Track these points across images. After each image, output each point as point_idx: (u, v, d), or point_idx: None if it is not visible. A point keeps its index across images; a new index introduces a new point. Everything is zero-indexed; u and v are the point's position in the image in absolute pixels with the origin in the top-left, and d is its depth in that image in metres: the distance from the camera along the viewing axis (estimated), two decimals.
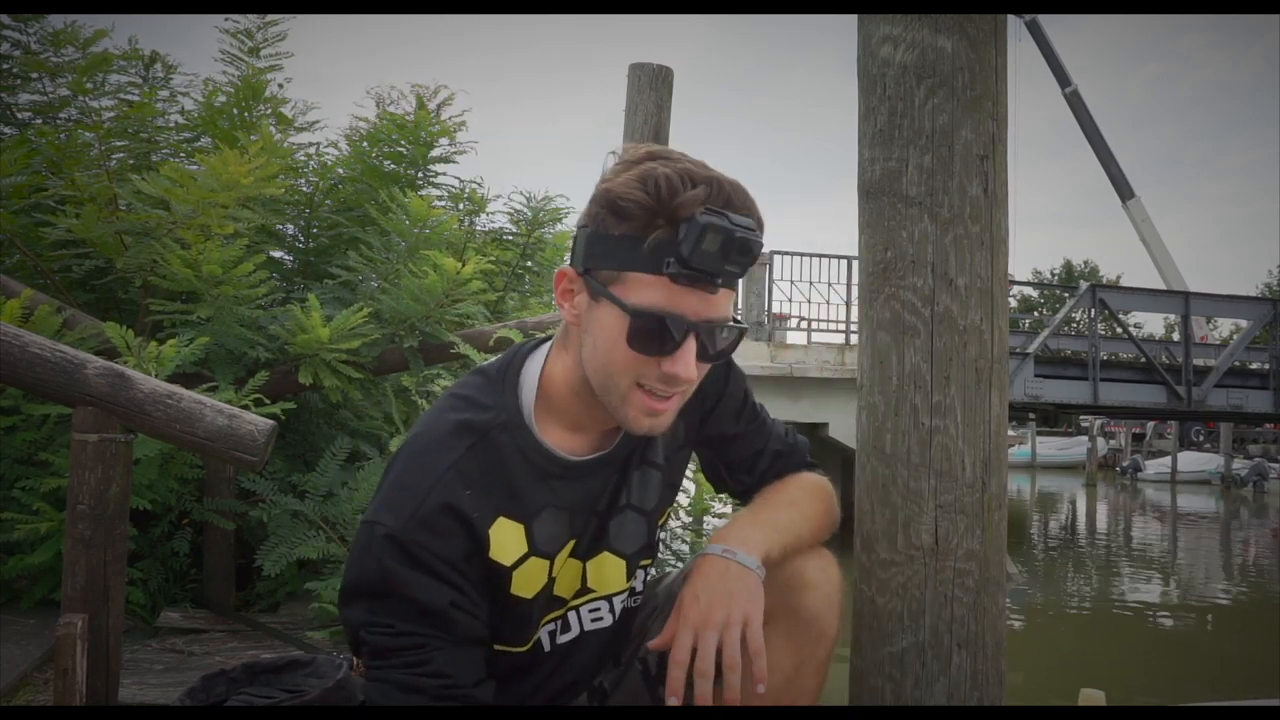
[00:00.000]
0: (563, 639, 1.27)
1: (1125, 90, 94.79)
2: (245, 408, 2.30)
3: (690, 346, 1.10)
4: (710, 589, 1.16)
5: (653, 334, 1.09)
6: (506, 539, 1.14)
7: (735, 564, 1.18)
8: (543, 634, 1.25)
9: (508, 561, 1.14)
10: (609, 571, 1.27)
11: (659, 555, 1.44)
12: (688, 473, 1.54)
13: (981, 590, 1.39)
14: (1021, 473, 33.30)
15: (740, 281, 1.17)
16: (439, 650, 1.07)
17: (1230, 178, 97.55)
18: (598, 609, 1.29)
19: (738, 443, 1.39)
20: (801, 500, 1.35)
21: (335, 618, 2.87)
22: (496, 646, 1.19)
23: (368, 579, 1.08)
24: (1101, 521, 21.73)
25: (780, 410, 12.24)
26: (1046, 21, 24.59)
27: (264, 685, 1.44)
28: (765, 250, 13.28)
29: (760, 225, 1.12)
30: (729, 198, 1.09)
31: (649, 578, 1.38)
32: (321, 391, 3.29)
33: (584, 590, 1.27)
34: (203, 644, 2.79)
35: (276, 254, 4.09)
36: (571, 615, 1.27)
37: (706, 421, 1.38)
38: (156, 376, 2.34)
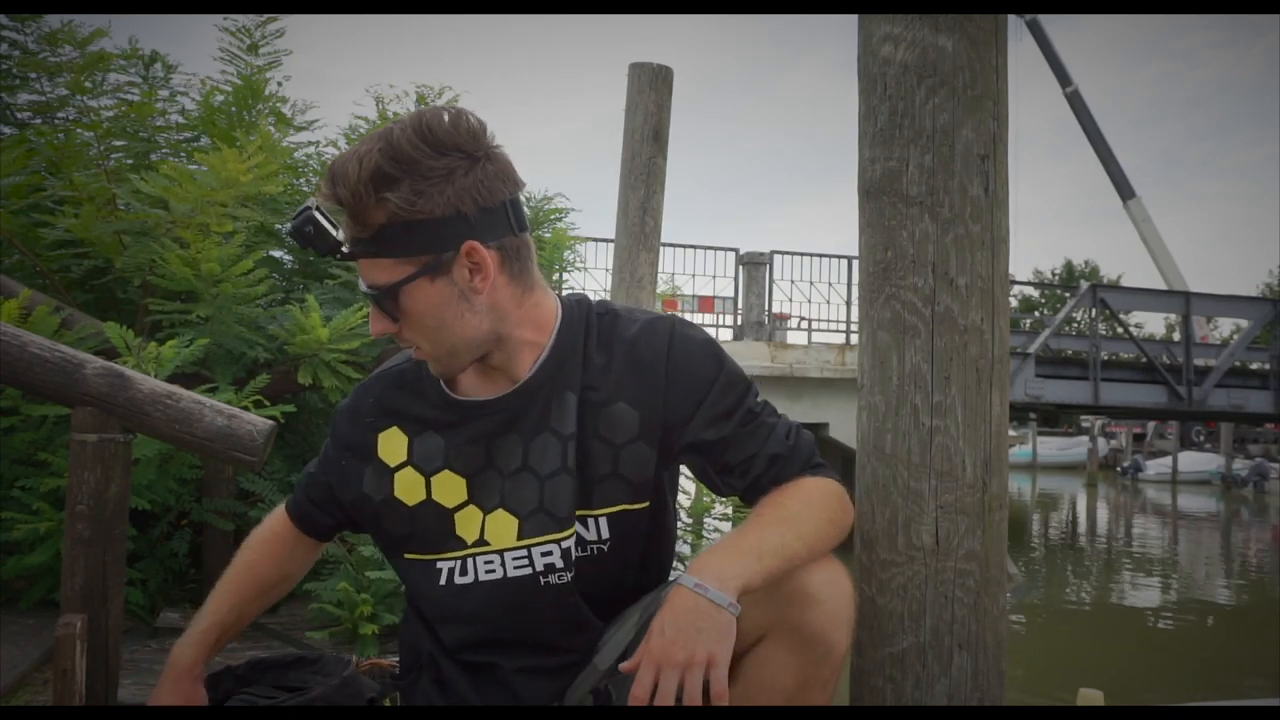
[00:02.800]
0: (461, 580, 1.34)
1: (1126, 90, 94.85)
2: (245, 409, 2.29)
3: (371, 309, 1.28)
4: (676, 625, 1.12)
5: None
6: (393, 444, 1.37)
7: (705, 600, 1.12)
8: (443, 566, 1.34)
9: (391, 463, 1.37)
10: (502, 527, 1.32)
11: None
12: (686, 473, 1.50)
13: (982, 591, 1.39)
14: (1022, 473, 33.30)
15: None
16: (316, 482, 1.47)
17: (1230, 178, 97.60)
18: (491, 561, 1.32)
19: (728, 447, 1.32)
20: (799, 515, 1.26)
21: (335, 618, 2.87)
22: (407, 554, 1.38)
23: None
24: (1102, 522, 21.73)
25: (780, 410, 12.23)
26: (1047, 21, 24.59)
27: (270, 683, 1.44)
28: (765, 250, 13.39)
29: (342, 201, 1.21)
30: (323, 184, 1.24)
31: (576, 555, 1.31)
32: (321, 391, 3.29)
33: (481, 541, 1.33)
34: None
35: (276, 253, 4.09)
36: (469, 561, 1.33)
37: (682, 428, 1.31)
38: (156, 377, 2.33)
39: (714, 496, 3.75)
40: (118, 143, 3.57)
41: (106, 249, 3.23)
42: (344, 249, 1.24)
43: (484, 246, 1.23)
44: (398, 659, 1.51)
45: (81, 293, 3.51)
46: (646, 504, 1.34)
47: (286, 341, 3.20)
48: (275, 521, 1.52)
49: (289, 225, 1.24)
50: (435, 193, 1.19)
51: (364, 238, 1.22)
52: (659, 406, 1.31)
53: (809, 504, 1.28)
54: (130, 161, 3.58)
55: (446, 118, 1.21)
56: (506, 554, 1.32)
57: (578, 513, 1.31)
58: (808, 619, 1.21)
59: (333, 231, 1.24)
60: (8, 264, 3.37)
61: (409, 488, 1.35)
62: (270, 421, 2.07)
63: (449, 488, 1.34)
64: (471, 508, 1.33)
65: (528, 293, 1.31)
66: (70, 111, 3.78)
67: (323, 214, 1.23)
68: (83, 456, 1.94)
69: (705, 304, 14.05)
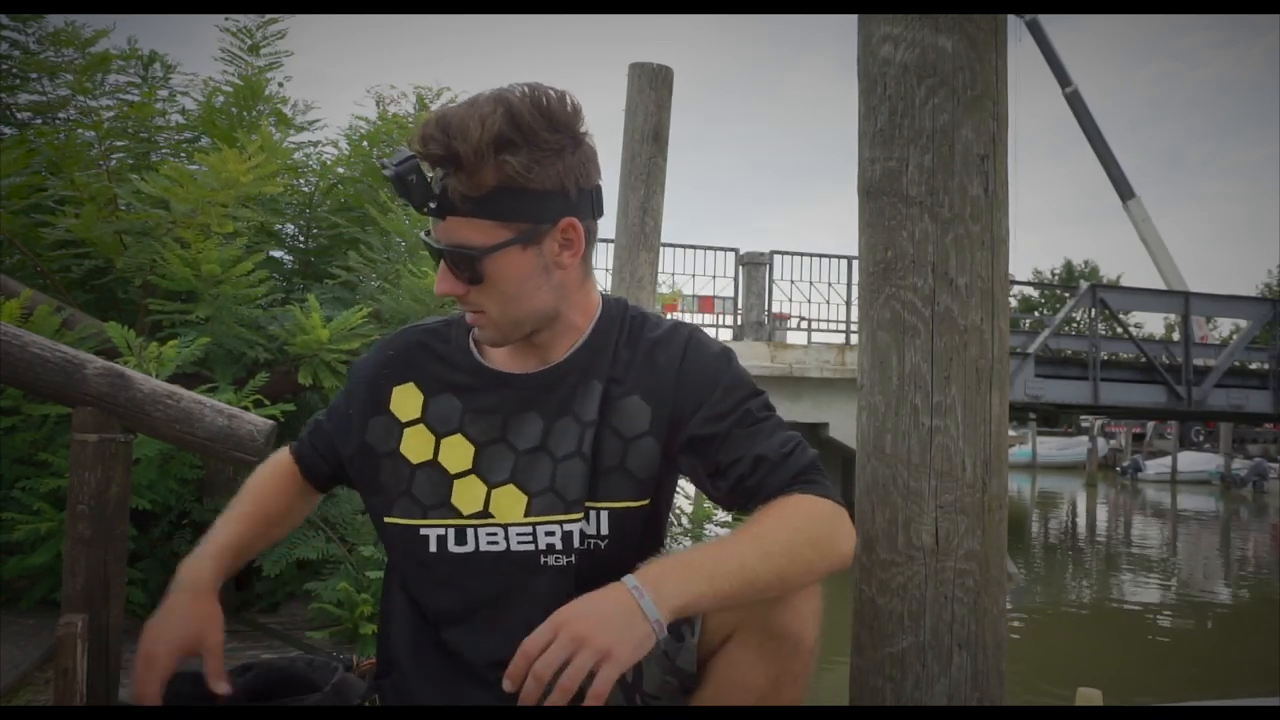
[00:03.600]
0: (458, 548, 1.32)
1: (1126, 90, 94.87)
2: (245, 409, 2.30)
3: (442, 268, 1.27)
4: (596, 609, 1.07)
5: (431, 256, 1.31)
6: (407, 400, 1.37)
7: (635, 605, 1.07)
8: (429, 533, 1.33)
9: (403, 418, 1.37)
10: (511, 502, 1.32)
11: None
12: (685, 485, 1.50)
13: (982, 590, 1.39)
14: (1022, 473, 33.30)
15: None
16: (320, 431, 1.47)
17: (1230, 178, 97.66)
18: (495, 534, 1.32)
19: (721, 445, 1.29)
20: (769, 533, 1.17)
21: (335, 618, 2.87)
22: (387, 519, 1.35)
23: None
24: (1101, 521, 21.73)
25: (780, 410, 12.07)
26: (1047, 21, 24.59)
27: (262, 687, 1.44)
28: (765, 250, 13.39)
29: (445, 156, 1.20)
30: (419, 135, 1.23)
31: (580, 547, 1.30)
32: (321, 392, 3.29)
33: (484, 514, 1.32)
34: None
35: (276, 254, 4.09)
36: (469, 531, 1.32)
37: (685, 423, 1.30)
38: (156, 376, 2.34)
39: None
40: (118, 143, 3.57)
41: (107, 249, 3.24)
42: (432, 205, 1.22)
43: (579, 224, 1.28)
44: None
45: (82, 293, 3.51)
46: (647, 502, 1.33)
47: (287, 341, 3.20)
48: (280, 460, 1.51)
49: (389, 169, 1.20)
50: (548, 165, 1.22)
51: (473, 196, 1.21)
52: (668, 403, 1.31)
53: (784, 522, 1.19)
54: (131, 162, 3.59)
55: (557, 96, 1.25)
56: (511, 528, 1.31)
57: (586, 504, 1.31)
58: (772, 616, 1.20)
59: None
60: (9, 264, 3.37)
61: (417, 446, 1.35)
62: (271, 421, 2.07)
63: (457, 452, 1.34)
64: (472, 478, 1.33)
65: (587, 278, 1.37)
66: (71, 112, 3.79)
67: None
68: (83, 456, 1.94)
69: (705, 304, 14.05)
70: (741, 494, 1.27)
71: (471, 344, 1.38)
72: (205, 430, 1.98)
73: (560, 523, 1.31)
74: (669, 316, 1.47)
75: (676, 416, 1.32)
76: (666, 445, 1.33)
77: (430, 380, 1.37)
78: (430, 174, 1.21)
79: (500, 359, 1.37)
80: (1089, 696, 2.15)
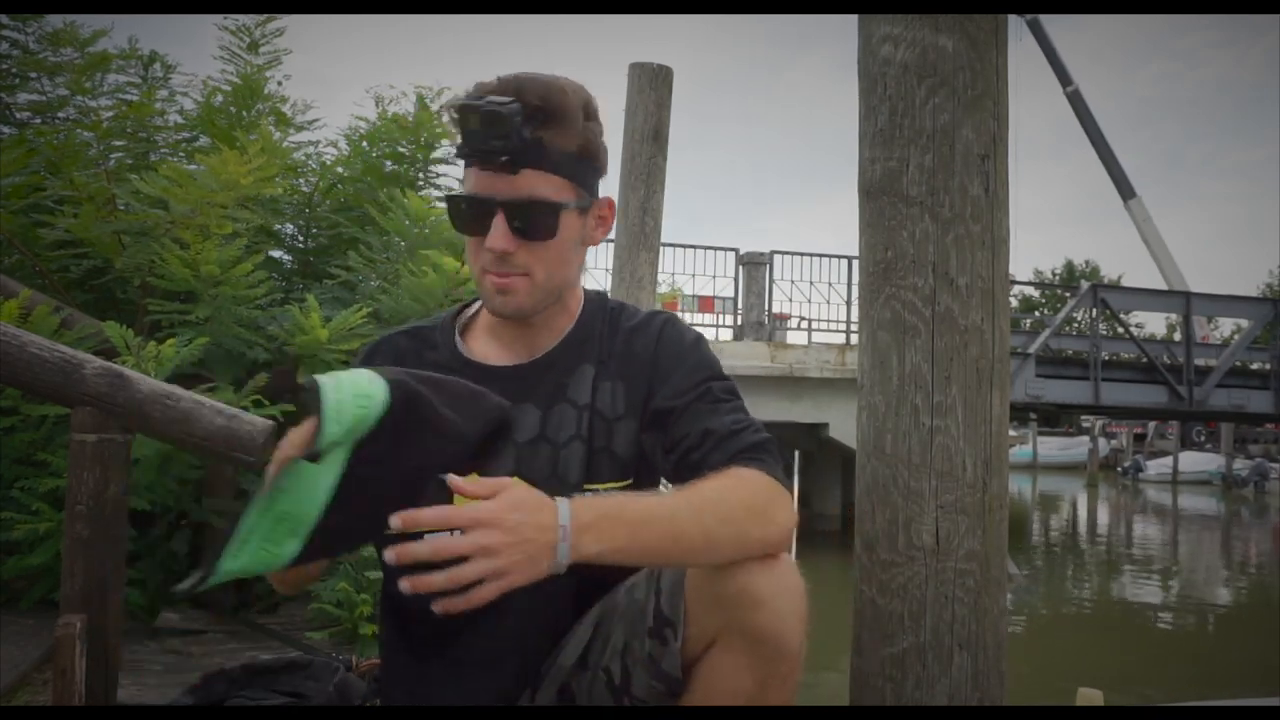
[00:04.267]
0: None
1: (1126, 90, 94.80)
2: (244, 408, 2.29)
3: (499, 223, 1.23)
4: (519, 531, 1.02)
5: (465, 215, 1.26)
6: None
7: (553, 546, 1.04)
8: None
9: None
10: None
11: None
12: None
13: (982, 591, 1.39)
14: (1023, 473, 33.28)
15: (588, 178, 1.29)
16: None
17: (1230, 178, 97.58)
18: None
19: (679, 419, 1.28)
20: (706, 497, 1.15)
21: (334, 618, 2.87)
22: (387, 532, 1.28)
23: None
24: (1102, 522, 21.73)
25: (780, 410, 12.23)
26: (1047, 21, 24.59)
27: (263, 687, 1.44)
28: (765, 250, 13.39)
29: (542, 107, 1.20)
30: (505, 86, 1.22)
31: None
32: None
33: None
34: (202, 644, 2.79)
35: (276, 254, 4.09)
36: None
37: (653, 399, 1.32)
38: (155, 376, 2.33)
39: None
40: (117, 143, 3.57)
41: (106, 249, 3.23)
42: (514, 153, 1.20)
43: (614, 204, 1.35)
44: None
45: (81, 293, 3.51)
46: (630, 482, 1.34)
47: (286, 342, 3.20)
48: None
49: (481, 103, 1.18)
50: (602, 144, 1.31)
51: (566, 151, 1.24)
52: (643, 386, 1.33)
53: (721, 489, 1.17)
54: (130, 162, 3.58)
55: None
56: None
57: (584, 486, 1.32)
58: (754, 621, 1.17)
59: None
60: (7, 264, 3.37)
61: None
62: (270, 421, 2.07)
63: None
64: (472, 477, 1.31)
65: (583, 266, 1.40)
66: (70, 111, 3.79)
67: None
68: (82, 456, 1.94)
69: (705, 304, 14.05)
70: (686, 467, 1.24)
71: (458, 342, 1.38)
72: (205, 430, 1.98)
73: None
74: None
75: (648, 394, 1.34)
76: (641, 424, 1.34)
77: None
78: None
79: (489, 353, 1.37)
80: (1089, 697, 2.15)
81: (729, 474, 1.19)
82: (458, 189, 1.28)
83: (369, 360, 1.39)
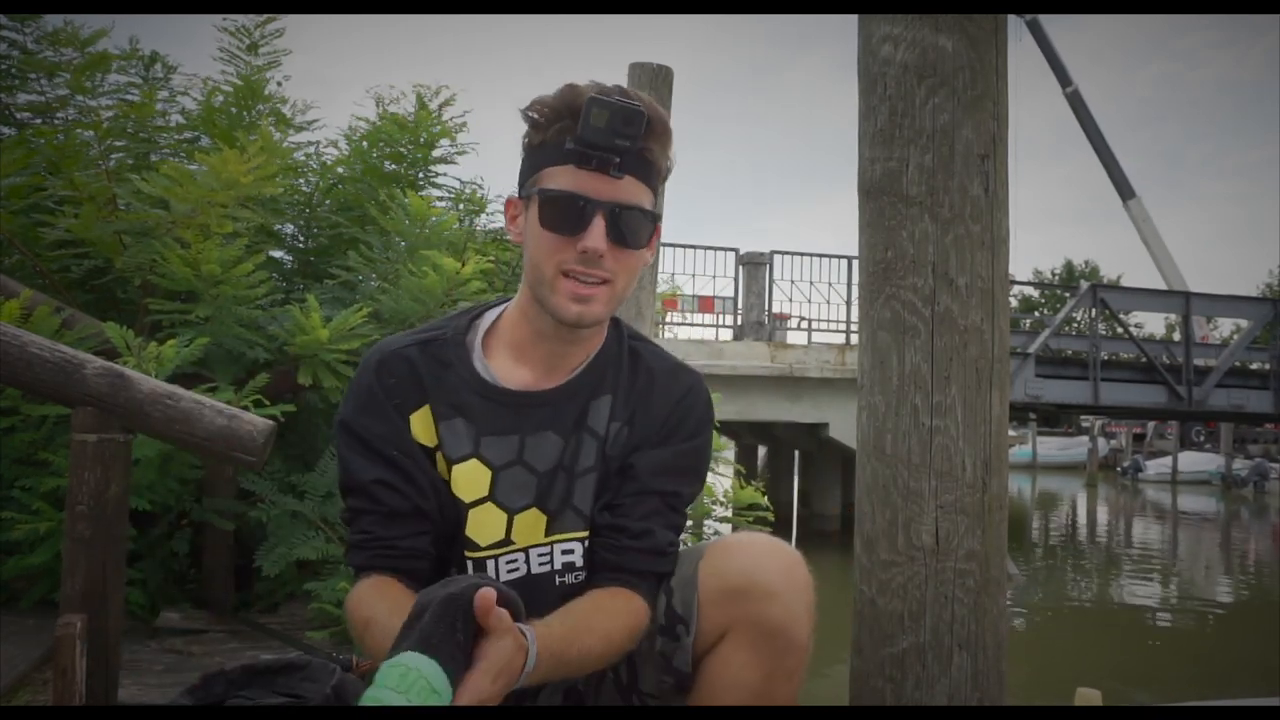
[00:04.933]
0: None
1: (1126, 90, 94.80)
2: (245, 409, 2.29)
3: (598, 224, 1.20)
4: (502, 683, 1.03)
5: (561, 212, 1.21)
6: (424, 427, 1.28)
7: (516, 679, 1.06)
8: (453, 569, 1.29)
9: (427, 444, 1.29)
10: (532, 525, 1.29)
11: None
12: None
13: (982, 591, 1.39)
14: (1022, 473, 33.28)
15: (651, 177, 1.25)
16: (368, 517, 1.26)
17: (1230, 178, 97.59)
18: (514, 560, 1.29)
19: (632, 484, 1.29)
20: (611, 638, 1.20)
21: (335, 618, 2.87)
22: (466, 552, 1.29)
23: (338, 468, 1.30)
24: (1102, 522, 21.73)
25: (780, 410, 12.24)
26: (1047, 21, 24.60)
27: (262, 687, 1.44)
28: (765, 250, 13.39)
29: (652, 120, 1.20)
30: (616, 92, 1.20)
31: (577, 560, 1.31)
32: (321, 392, 3.28)
33: (506, 541, 1.29)
34: (202, 644, 2.79)
35: (276, 254, 4.09)
36: (489, 562, 1.28)
37: (639, 450, 1.31)
38: (156, 376, 2.33)
39: (715, 498, 3.75)
40: (118, 143, 3.56)
41: (107, 249, 3.23)
42: (626, 158, 1.20)
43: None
44: None
45: (81, 293, 3.50)
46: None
47: (286, 342, 3.20)
48: (370, 596, 1.25)
49: (613, 100, 1.17)
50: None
51: (665, 165, 1.27)
52: (640, 440, 1.32)
53: (617, 623, 1.22)
54: (131, 162, 3.58)
55: None
56: (532, 550, 1.30)
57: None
58: (766, 613, 1.20)
59: None
60: (8, 264, 3.37)
61: (440, 471, 1.29)
62: (271, 421, 2.07)
63: (471, 479, 1.28)
64: (489, 506, 1.28)
65: None
66: (70, 111, 3.78)
67: None
68: (83, 456, 1.94)
69: (705, 304, 14.06)
70: (608, 547, 1.28)
71: (477, 361, 1.31)
72: (205, 430, 1.98)
73: (581, 539, 1.31)
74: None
75: (637, 446, 1.33)
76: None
77: (440, 404, 1.29)
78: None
79: (511, 374, 1.31)
80: (1088, 696, 2.15)
81: (621, 601, 1.25)
82: (552, 187, 1.21)
83: (380, 377, 1.28)
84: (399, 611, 1.07)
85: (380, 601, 1.21)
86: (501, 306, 1.37)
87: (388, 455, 1.26)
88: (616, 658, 1.23)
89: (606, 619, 1.21)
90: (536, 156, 1.24)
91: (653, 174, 1.25)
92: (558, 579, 1.30)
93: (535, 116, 1.23)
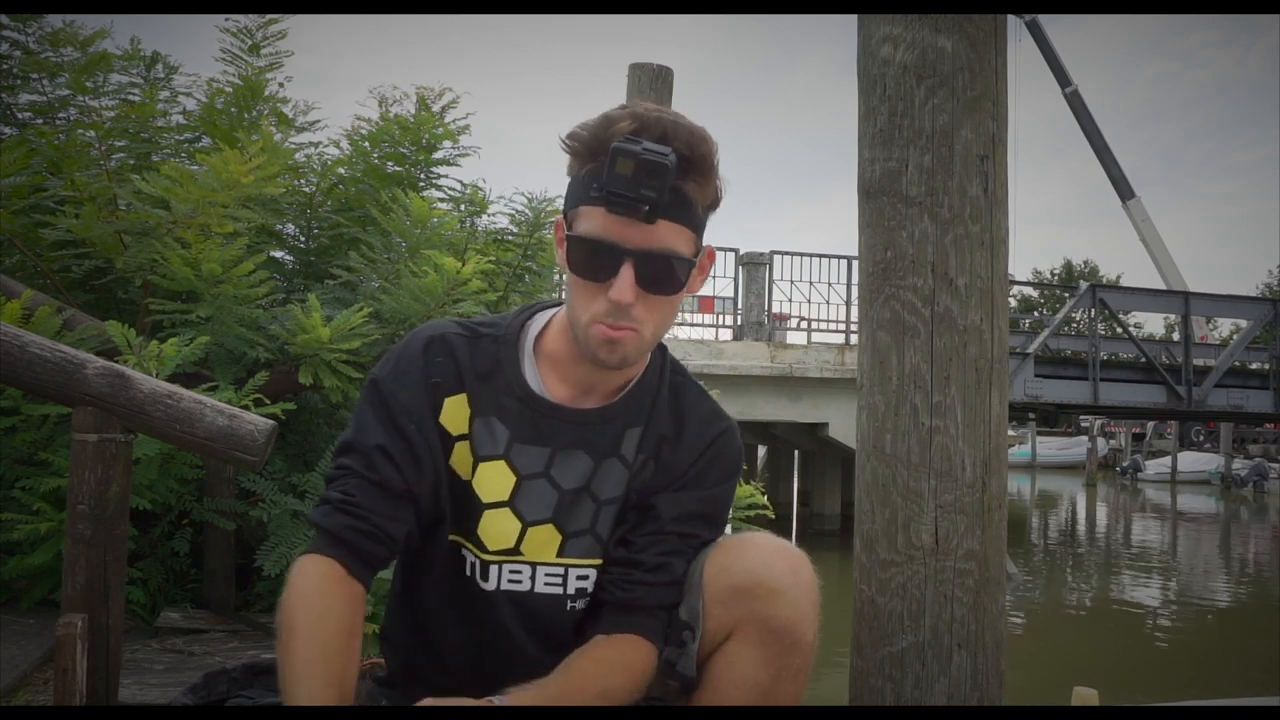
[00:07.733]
0: (483, 583, 1.27)
1: (1126, 90, 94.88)
2: (245, 408, 2.30)
3: (626, 273, 1.16)
4: None
5: (588, 259, 1.17)
6: (458, 413, 1.26)
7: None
8: (467, 555, 1.28)
9: (454, 431, 1.26)
10: (545, 541, 1.27)
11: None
12: None
13: (981, 590, 1.39)
14: (1021, 473, 33.30)
15: (687, 216, 1.18)
16: (356, 480, 1.21)
17: (1230, 178, 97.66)
18: (519, 572, 1.27)
19: (654, 522, 1.28)
20: (609, 691, 1.20)
21: None
22: (452, 536, 1.28)
23: (350, 423, 1.27)
24: (1101, 521, 21.73)
25: (780, 410, 12.24)
26: (1046, 21, 24.61)
27: (264, 686, 1.44)
28: (765, 250, 13.39)
29: (689, 158, 1.14)
30: (654, 130, 1.14)
31: (590, 587, 1.30)
32: (321, 391, 3.29)
33: (514, 551, 1.27)
34: (203, 644, 2.79)
35: (277, 254, 4.09)
36: (493, 567, 1.27)
37: (662, 489, 1.30)
38: (157, 376, 2.34)
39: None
40: (119, 143, 3.56)
41: (107, 249, 3.23)
42: (659, 204, 1.14)
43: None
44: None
45: (82, 293, 3.51)
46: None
47: (287, 341, 3.20)
48: (314, 580, 1.23)
49: (639, 149, 1.10)
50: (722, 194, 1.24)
51: (705, 205, 1.20)
52: (665, 480, 1.31)
53: (616, 678, 1.22)
54: (132, 162, 3.58)
55: None
56: (540, 568, 1.28)
57: None
58: (773, 612, 1.20)
59: None
60: (9, 264, 3.37)
61: (461, 462, 1.27)
62: (271, 421, 2.07)
63: (495, 481, 1.27)
64: (506, 512, 1.27)
65: None
66: (71, 112, 3.78)
67: None
68: (83, 456, 1.94)
69: (705, 304, 14.06)
70: (616, 584, 1.27)
71: (526, 369, 1.29)
72: (206, 430, 1.98)
73: (596, 567, 1.29)
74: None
75: (662, 486, 1.31)
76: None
77: (479, 397, 1.27)
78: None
79: (556, 388, 1.29)
80: (1085, 696, 2.15)
81: (624, 653, 1.24)
82: (584, 230, 1.17)
83: (428, 352, 1.27)
84: (318, 636, 1.16)
85: (314, 606, 1.21)
86: (553, 311, 1.34)
87: (403, 426, 1.23)
88: (620, 704, 1.22)
89: (606, 674, 1.21)
90: (574, 190, 1.20)
91: (691, 214, 1.18)
92: (569, 604, 1.29)
93: (571, 145, 1.19)
